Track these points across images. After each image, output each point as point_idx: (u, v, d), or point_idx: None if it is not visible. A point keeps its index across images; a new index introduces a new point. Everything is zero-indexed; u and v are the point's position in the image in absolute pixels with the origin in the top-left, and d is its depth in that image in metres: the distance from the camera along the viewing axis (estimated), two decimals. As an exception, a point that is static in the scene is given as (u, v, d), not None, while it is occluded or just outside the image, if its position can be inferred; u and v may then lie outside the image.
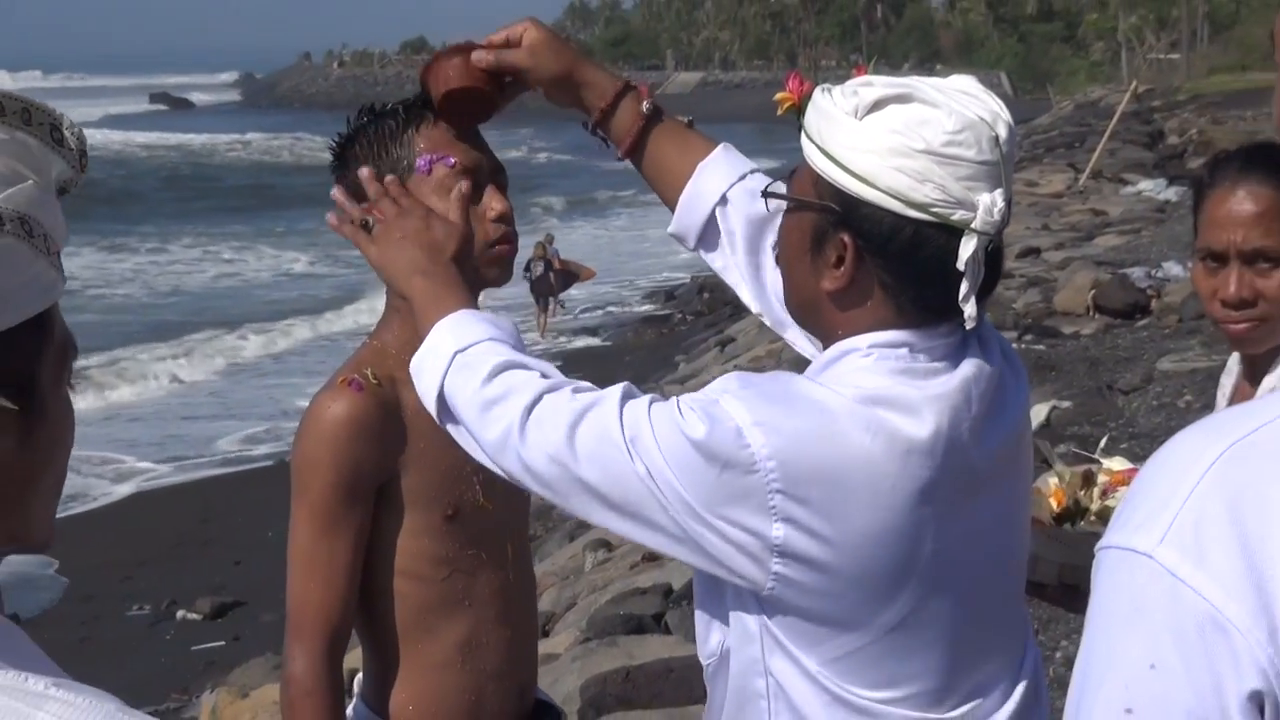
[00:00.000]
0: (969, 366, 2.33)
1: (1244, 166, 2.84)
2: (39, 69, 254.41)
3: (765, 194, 2.47)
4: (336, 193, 2.68)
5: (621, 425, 2.19)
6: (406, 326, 2.80)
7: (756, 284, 2.73)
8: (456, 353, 2.32)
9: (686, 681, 6.55)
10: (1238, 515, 1.23)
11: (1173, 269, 16.13)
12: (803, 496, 2.15)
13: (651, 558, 9.69)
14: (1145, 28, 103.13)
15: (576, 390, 2.28)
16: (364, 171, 2.63)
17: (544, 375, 2.31)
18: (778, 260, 2.47)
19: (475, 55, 2.71)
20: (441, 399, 2.33)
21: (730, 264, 2.75)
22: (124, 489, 17.39)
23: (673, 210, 2.79)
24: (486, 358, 2.30)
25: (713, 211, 2.73)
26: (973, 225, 2.21)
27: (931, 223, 2.22)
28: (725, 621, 2.35)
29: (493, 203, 2.78)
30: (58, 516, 1.48)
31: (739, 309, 26.94)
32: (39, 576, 13.84)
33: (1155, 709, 1.24)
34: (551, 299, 28.09)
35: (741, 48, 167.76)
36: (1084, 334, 14.47)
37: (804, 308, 2.40)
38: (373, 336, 2.89)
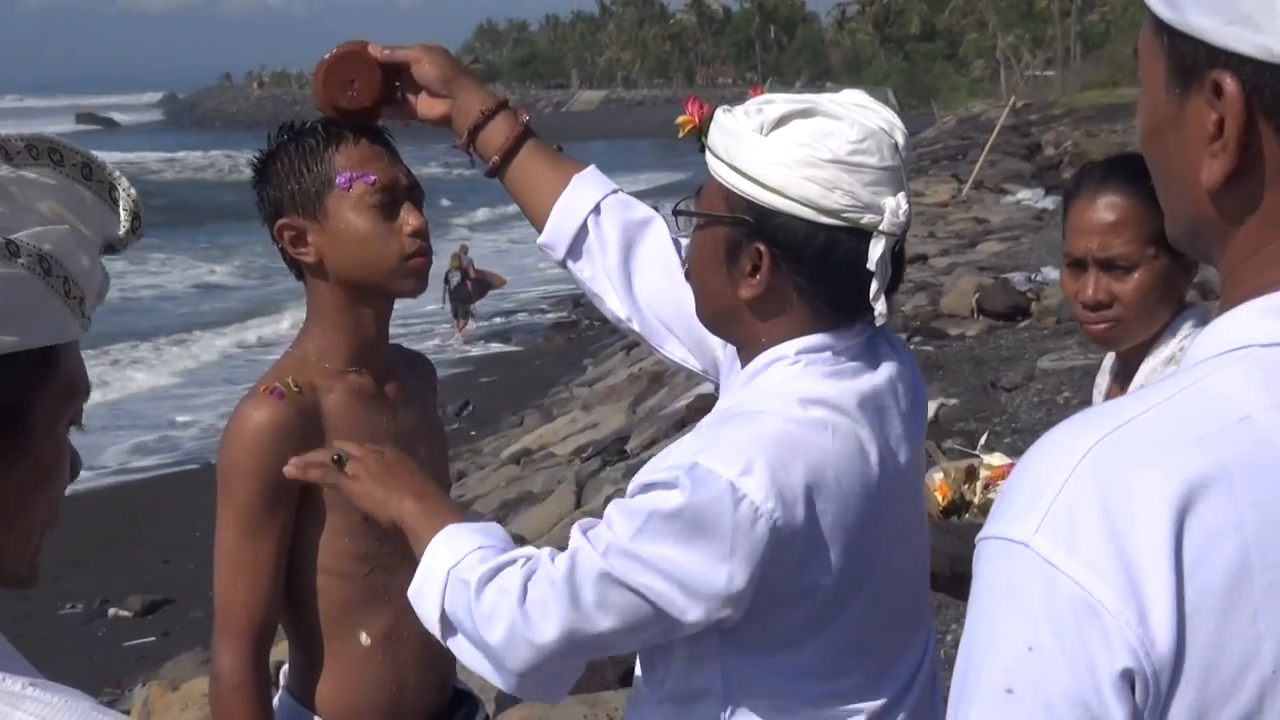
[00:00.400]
0: (889, 366, 2.36)
1: (1104, 178, 2.90)
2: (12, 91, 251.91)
3: (676, 212, 2.49)
4: (291, 470, 2.57)
5: (608, 562, 2.18)
6: (326, 335, 2.82)
7: (627, 291, 2.73)
8: (450, 569, 2.31)
9: (599, 669, 6.53)
10: (1106, 505, 1.24)
11: (1050, 273, 16.29)
12: (793, 521, 2.16)
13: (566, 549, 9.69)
14: (1022, 46, 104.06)
15: (552, 557, 2.25)
16: (326, 455, 2.56)
17: (524, 562, 2.28)
18: (688, 276, 2.47)
19: (370, 47, 2.75)
20: (444, 619, 2.33)
21: (599, 272, 2.74)
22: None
23: (539, 223, 2.78)
24: (475, 568, 2.28)
25: (586, 220, 2.73)
26: (880, 227, 2.24)
27: (842, 227, 2.23)
28: (676, 650, 2.34)
29: (409, 218, 2.76)
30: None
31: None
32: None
33: (1034, 688, 1.25)
34: (468, 307, 28.05)
35: (642, 67, 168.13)
36: (969, 335, 14.59)
37: (720, 317, 2.41)
38: (294, 346, 2.87)
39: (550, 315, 30.22)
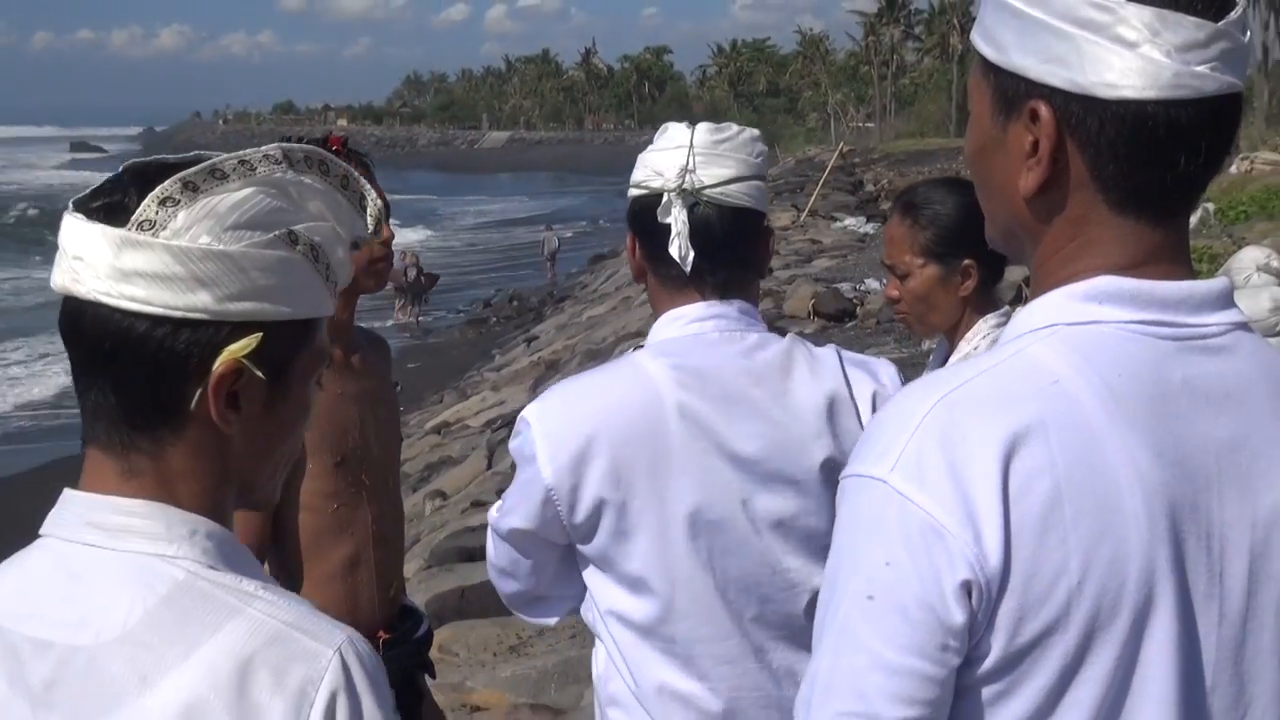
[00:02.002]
0: (761, 341, 2.30)
1: (893, 208, 3.01)
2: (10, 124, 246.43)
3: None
4: None
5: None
6: None
7: None
8: None
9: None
10: (948, 449, 1.26)
11: (871, 284, 16.50)
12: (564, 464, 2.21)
13: (479, 503, 9.65)
14: (848, 103, 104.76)
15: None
16: None
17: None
18: None
19: None
20: None
21: None
22: None
23: None
24: None
25: None
26: (665, 187, 2.24)
27: (647, 194, 2.27)
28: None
29: (382, 228, 2.78)
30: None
31: (541, 314, 27.22)
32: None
33: (890, 594, 1.26)
34: (420, 297, 29.10)
35: (541, 113, 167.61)
36: (806, 333, 14.68)
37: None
38: None
39: (464, 313, 30.08)
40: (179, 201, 1.28)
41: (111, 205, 1.30)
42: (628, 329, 18.57)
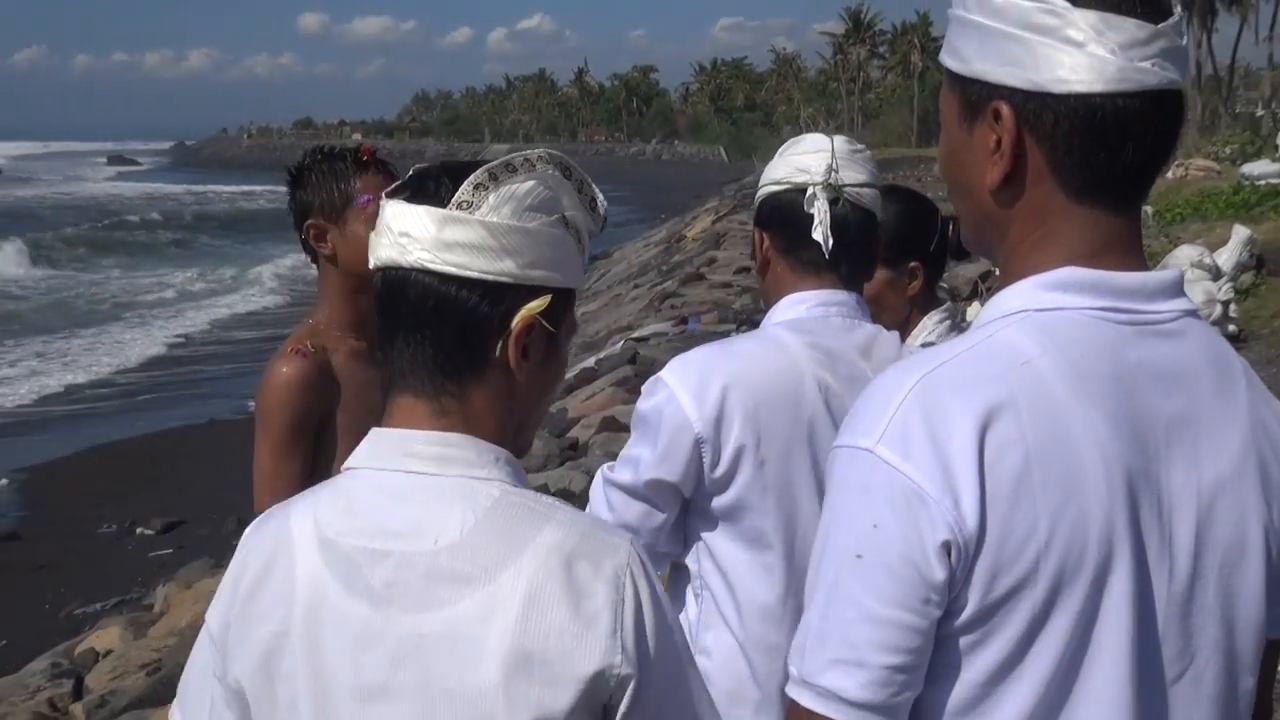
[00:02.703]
0: (870, 328, 2.34)
1: None
2: (28, 139, 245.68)
3: None
4: None
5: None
6: (333, 311, 2.85)
7: None
8: None
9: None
10: (929, 422, 1.27)
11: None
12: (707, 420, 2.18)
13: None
14: (819, 116, 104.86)
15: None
16: None
17: None
18: None
19: None
20: None
21: None
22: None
23: None
24: None
25: None
26: (811, 182, 2.25)
27: (789, 188, 2.27)
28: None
29: None
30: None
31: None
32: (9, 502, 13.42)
33: (877, 553, 1.27)
34: None
35: (538, 126, 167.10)
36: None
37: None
38: (309, 317, 2.88)
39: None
40: (487, 188, 1.47)
41: (427, 192, 1.49)
42: (619, 323, 18.54)
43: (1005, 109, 1.34)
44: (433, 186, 1.49)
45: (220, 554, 10.93)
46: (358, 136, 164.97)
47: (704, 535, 2.23)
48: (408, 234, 1.46)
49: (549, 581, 1.37)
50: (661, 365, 2.32)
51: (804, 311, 2.24)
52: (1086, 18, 1.30)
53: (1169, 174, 22.29)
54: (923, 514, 1.26)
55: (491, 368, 1.47)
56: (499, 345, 1.46)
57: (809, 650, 1.31)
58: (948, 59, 1.43)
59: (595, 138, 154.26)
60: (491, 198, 1.46)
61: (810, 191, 2.22)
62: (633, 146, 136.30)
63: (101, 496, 13.45)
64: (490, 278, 1.45)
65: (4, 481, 14.34)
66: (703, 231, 33.67)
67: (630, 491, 2.23)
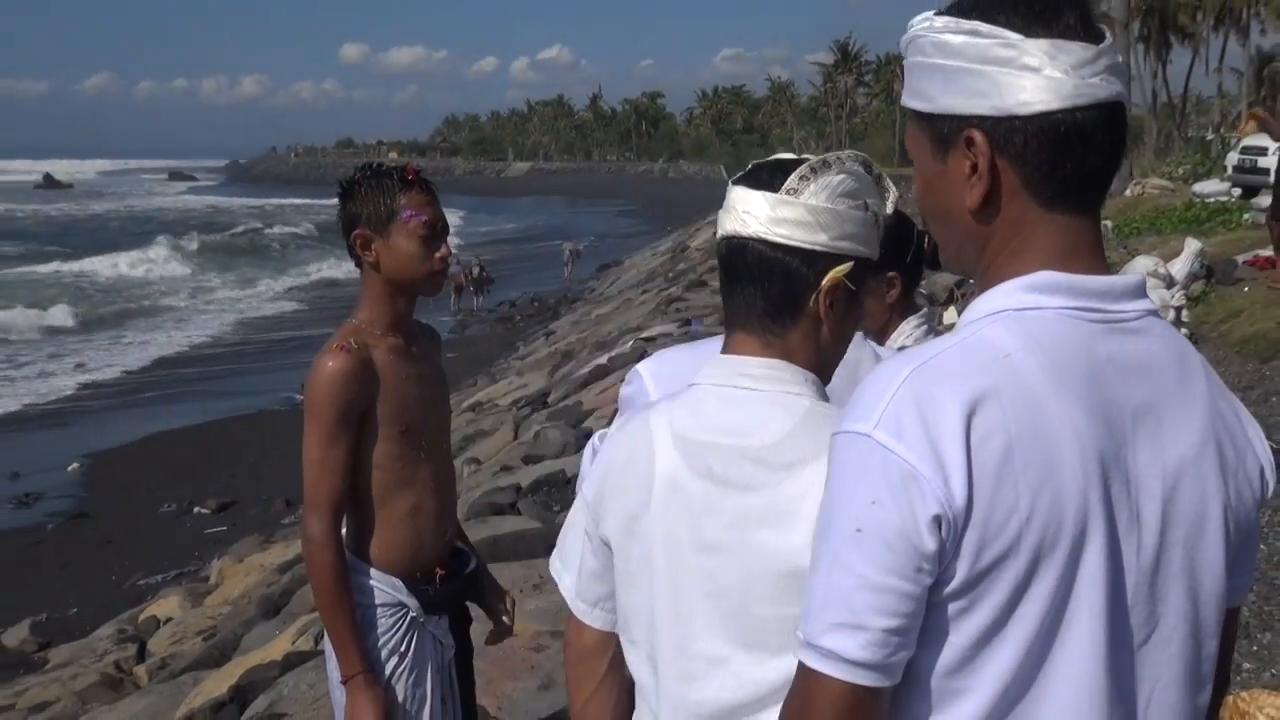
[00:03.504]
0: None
1: None
2: (105, 157, 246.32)
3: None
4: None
5: None
6: (374, 311, 2.86)
7: None
8: None
9: (529, 543, 6.55)
10: (920, 409, 1.28)
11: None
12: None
13: (507, 467, 9.66)
14: (810, 139, 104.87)
15: None
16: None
17: None
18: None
19: None
20: None
21: None
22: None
23: None
24: None
25: None
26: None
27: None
28: None
29: (441, 250, 2.85)
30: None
31: (557, 313, 27.22)
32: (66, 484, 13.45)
33: (874, 526, 1.28)
34: (482, 290, 31.21)
35: (556, 147, 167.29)
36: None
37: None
38: (352, 316, 2.88)
39: (493, 312, 30.07)
40: (809, 179, 1.71)
41: (763, 181, 1.74)
42: (629, 325, 18.55)
43: (978, 135, 1.36)
44: (767, 177, 1.74)
45: (269, 531, 10.97)
46: (394, 154, 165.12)
47: None
48: (749, 212, 1.73)
49: None
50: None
51: None
52: (1039, 45, 1.33)
53: (1127, 191, 22.25)
54: (915, 491, 1.26)
55: (805, 316, 1.73)
56: (812, 299, 1.71)
57: (813, 615, 1.32)
58: (913, 102, 1.44)
59: (608, 157, 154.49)
60: (812, 186, 1.71)
61: None
62: (641, 165, 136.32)
63: (161, 479, 13.50)
64: (808, 246, 1.70)
65: (75, 465, 14.40)
66: (705, 242, 33.61)
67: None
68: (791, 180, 1.71)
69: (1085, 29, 1.35)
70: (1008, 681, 1.30)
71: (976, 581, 1.28)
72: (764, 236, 1.71)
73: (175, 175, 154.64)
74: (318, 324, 25.87)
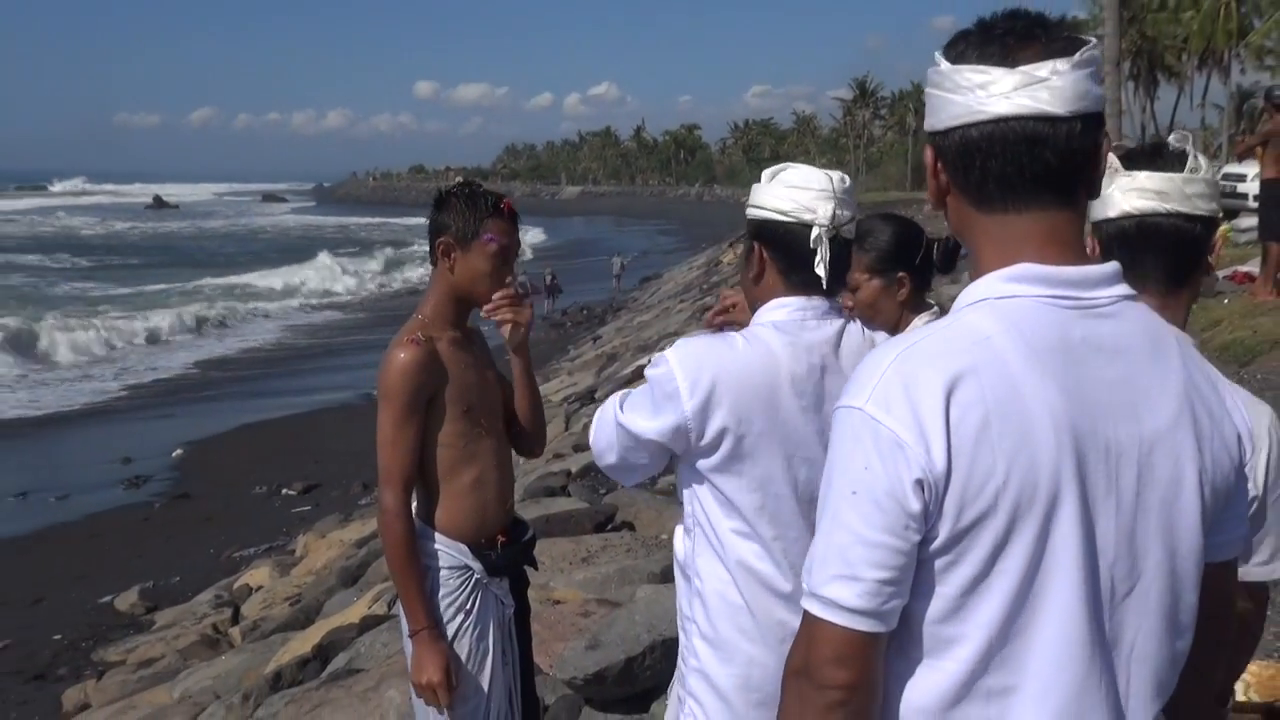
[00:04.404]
0: (841, 323, 2.26)
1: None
2: (206, 180, 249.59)
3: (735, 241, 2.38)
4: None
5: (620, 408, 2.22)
6: (439, 310, 2.88)
7: None
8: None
9: (579, 521, 6.58)
10: (906, 386, 1.30)
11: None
12: (697, 394, 2.11)
13: (558, 454, 9.67)
14: (830, 166, 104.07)
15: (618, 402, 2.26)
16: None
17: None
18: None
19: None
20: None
21: None
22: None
23: None
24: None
25: None
26: (816, 221, 2.19)
27: (794, 223, 2.19)
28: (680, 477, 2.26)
29: (507, 279, 2.87)
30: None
31: (604, 320, 27.26)
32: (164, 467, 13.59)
33: (867, 489, 1.30)
34: (554, 295, 31.87)
35: (604, 172, 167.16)
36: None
37: (747, 299, 2.33)
38: (418, 312, 2.90)
39: (547, 319, 30.16)
40: (1198, 158, 1.87)
41: (1170, 163, 1.86)
42: (667, 330, 18.55)
43: (928, 150, 1.44)
44: (1173, 160, 1.88)
45: (348, 511, 11.04)
46: (459, 178, 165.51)
47: (693, 485, 2.21)
48: (1164, 192, 1.85)
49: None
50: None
51: (786, 315, 2.21)
52: (960, 72, 1.37)
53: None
54: (901, 458, 1.28)
55: (1200, 270, 1.90)
56: (1206, 258, 1.89)
57: (815, 568, 1.34)
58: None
59: (649, 182, 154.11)
60: (1205, 164, 1.87)
61: (817, 233, 2.18)
62: (679, 189, 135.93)
63: (252, 463, 13.63)
64: (1208, 214, 1.86)
65: (179, 451, 14.57)
66: (735, 257, 33.54)
67: (626, 429, 2.21)
68: (1191, 161, 1.86)
69: (1014, 53, 1.34)
70: (994, 629, 1.32)
71: (959, 538, 1.30)
72: (1180, 210, 1.85)
73: (268, 197, 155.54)
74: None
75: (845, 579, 1.31)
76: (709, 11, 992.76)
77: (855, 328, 2.27)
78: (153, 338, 27.80)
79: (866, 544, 1.30)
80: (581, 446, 9.62)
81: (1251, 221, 11.55)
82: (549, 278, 31.92)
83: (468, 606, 2.85)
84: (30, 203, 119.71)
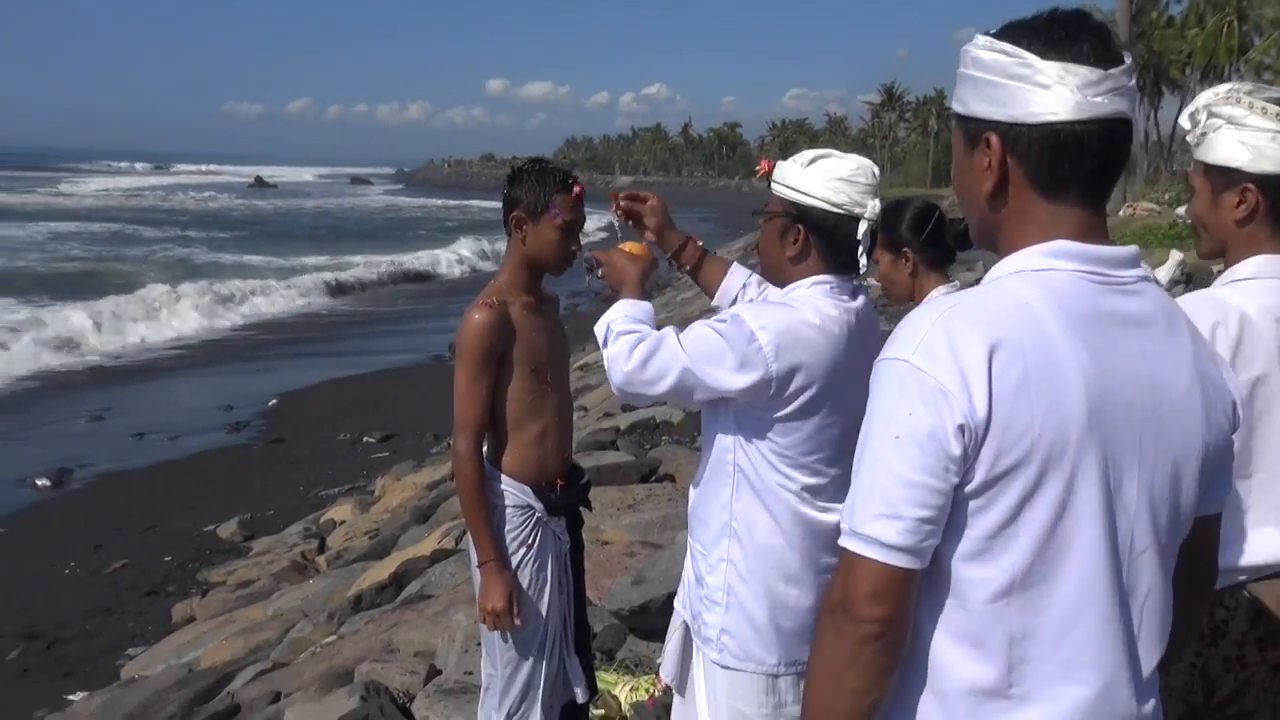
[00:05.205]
0: (863, 299, 2.27)
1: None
2: (300, 164, 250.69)
3: (755, 213, 2.33)
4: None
5: (682, 353, 2.12)
6: (513, 276, 2.87)
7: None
8: (610, 319, 2.27)
9: (626, 472, 6.60)
10: (950, 340, 1.27)
11: (870, 281, 16.01)
12: (780, 359, 2.09)
13: (608, 414, 9.69)
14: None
15: (659, 339, 2.17)
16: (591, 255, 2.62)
17: (641, 335, 2.19)
18: (758, 250, 2.34)
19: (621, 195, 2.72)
20: (604, 336, 2.25)
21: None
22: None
23: (712, 295, 2.69)
24: (620, 322, 2.26)
25: (743, 285, 2.65)
26: (865, 215, 2.18)
27: (845, 215, 2.18)
28: (717, 422, 2.23)
29: (574, 247, 2.83)
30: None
31: (650, 297, 26.95)
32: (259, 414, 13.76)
33: (910, 433, 1.27)
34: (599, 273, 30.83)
35: (654, 165, 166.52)
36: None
37: (772, 269, 2.31)
38: (495, 279, 2.89)
39: (598, 294, 30.01)
40: None
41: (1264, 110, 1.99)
42: (707, 306, 18.44)
43: (994, 138, 1.35)
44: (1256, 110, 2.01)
45: (421, 458, 11.14)
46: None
47: (739, 434, 2.18)
48: None
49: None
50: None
51: (829, 290, 2.21)
52: (1052, 67, 1.30)
53: (1121, 212, 21.64)
54: (945, 405, 1.25)
55: None
56: None
57: (857, 508, 1.31)
58: (955, 104, 1.42)
59: (695, 174, 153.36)
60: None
61: (865, 228, 2.17)
62: (721, 181, 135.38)
63: (336, 415, 13.74)
64: None
65: (274, 401, 14.75)
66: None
67: (696, 377, 2.12)
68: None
69: (1098, 55, 1.31)
70: (1017, 572, 1.29)
71: (992, 484, 1.27)
72: None
73: (356, 180, 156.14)
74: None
75: (887, 517, 1.28)
76: (752, 19, 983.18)
77: (867, 301, 2.28)
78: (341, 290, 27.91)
79: (908, 484, 1.27)
80: (628, 407, 9.64)
81: None
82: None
83: (530, 541, 2.86)
84: (156, 180, 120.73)
